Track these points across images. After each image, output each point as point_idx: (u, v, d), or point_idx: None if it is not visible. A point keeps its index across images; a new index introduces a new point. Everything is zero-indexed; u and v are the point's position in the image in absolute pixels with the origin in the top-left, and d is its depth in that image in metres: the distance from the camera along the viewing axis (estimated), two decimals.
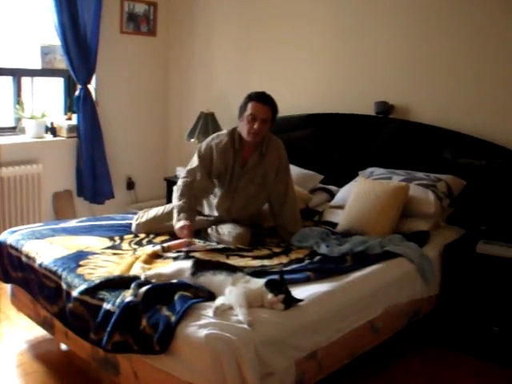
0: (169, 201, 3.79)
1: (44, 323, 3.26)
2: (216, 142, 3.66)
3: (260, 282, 2.63)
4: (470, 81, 3.95)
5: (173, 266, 2.87)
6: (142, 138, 5.90)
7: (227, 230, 3.56)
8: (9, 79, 5.09)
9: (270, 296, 2.54)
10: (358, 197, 3.80)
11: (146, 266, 2.95)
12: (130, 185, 5.89)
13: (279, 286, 2.58)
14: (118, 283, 2.72)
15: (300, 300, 2.64)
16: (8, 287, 3.57)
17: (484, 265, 3.47)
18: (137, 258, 3.05)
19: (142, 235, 3.55)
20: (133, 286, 2.63)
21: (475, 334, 3.53)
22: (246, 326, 2.36)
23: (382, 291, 3.15)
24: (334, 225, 3.86)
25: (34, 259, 3.15)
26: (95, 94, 5.31)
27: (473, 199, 3.92)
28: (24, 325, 3.67)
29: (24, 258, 3.24)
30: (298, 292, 2.72)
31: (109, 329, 2.50)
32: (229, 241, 3.49)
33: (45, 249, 3.20)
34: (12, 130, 5.17)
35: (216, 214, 3.76)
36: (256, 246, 3.49)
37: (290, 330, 2.53)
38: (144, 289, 2.58)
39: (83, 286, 2.74)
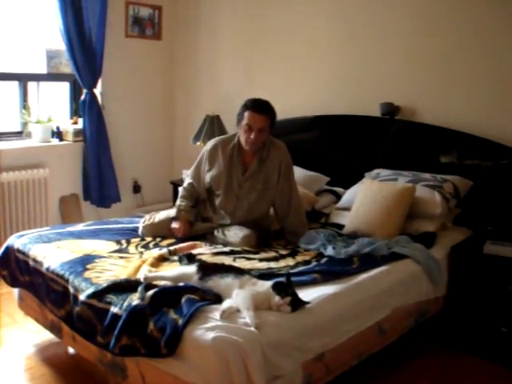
0: (175, 204, 3.79)
1: (51, 327, 3.26)
2: (213, 147, 3.74)
3: (267, 285, 2.63)
4: (477, 81, 3.94)
5: (176, 271, 2.87)
6: (148, 142, 5.91)
7: (234, 232, 3.56)
8: (15, 84, 5.10)
9: (276, 298, 2.54)
10: (364, 198, 3.79)
11: (153, 269, 2.95)
12: (137, 188, 5.89)
13: (286, 289, 2.58)
14: (125, 287, 2.72)
15: (307, 302, 2.63)
16: (15, 291, 3.57)
17: (491, 265, 3.45)
18: (144, 262, 3.05)
19: (148, 238, 3.56)
20: (140, 289, 2.63)
21: (483, 336, 3.51)
22: (253, 328, 2.35)
23: (388, 293, 3.14)
24: (341, 227, 3.86)
25: (41, 263, 3.16)
26: (101, 98, 5.32)
27: (479, 200, 3.90)
28: (31, 329, 3.67)
29: (31, 262, 3.25)
30: (305, 294, 2.71)
31: (116, 332, 2.51)
32: (235, 242, 3.49)
33: (52, 253, 3.21)
34: (18, 134, 5.18)
35: (221, 220, 3.74)
36: (262, 248, 3.49)
37: (297, 332, 2.53)
38: (151, 292, 2.58)
39: (90, 290, 2.75)
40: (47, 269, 3.09)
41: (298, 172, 3.81)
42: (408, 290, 3.29)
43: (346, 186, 4.27)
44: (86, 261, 3.07)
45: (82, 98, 5.20)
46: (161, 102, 5.97)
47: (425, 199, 3.71)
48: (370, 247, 3.38)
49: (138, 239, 3.55)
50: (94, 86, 5.19)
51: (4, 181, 4.69)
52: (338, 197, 4.28)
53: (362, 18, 4.47)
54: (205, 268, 2.81)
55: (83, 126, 5.25)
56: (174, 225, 3.64)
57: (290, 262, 3.24)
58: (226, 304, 2.49)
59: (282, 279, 2.67)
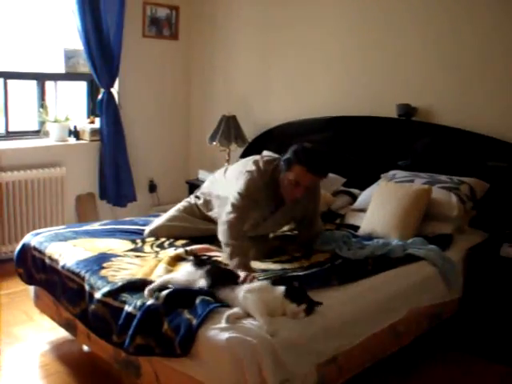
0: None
1: (66, 325, 3.27)
2: (258, 182, 3.25)
3: (279, 290, 2.59)
4: (495, 82, 3.90)
5: (183, 274, 2.78)
6: (165, 141, 5.91)
7: None
8: (33, 83, 5.13)
9: (292, 306, 2.52)
10: (380, 200, 3.78)
11: (169, 268, 2.95)
12: (152, 187, 5.90)
13: (300, 295, 2.56)
14: (139, 286, 2.72)
15: (319, 303, 2.62)
16: (31, 289, 3.59)
17: (508, 268, 3.42)
18: (159, 261, 3.05)
19: (163, 238, 3.52)
20: (148, 289, 2.65)
21: (499, 340, 3.48)
22: (268, 336, 2.34)
23: (403, 295, 3.12)
24: (356, 228, 3.84)
25: (57, 261, 3.18)
26: (118, 98, 5.34)
27: (496, 202, 3.86)
28: (47, 326, 3.68)
29: (47, 260, 3.26)
30: (319, 296, 2.70)
31: (131, 331, 2.52)
32: None
33: (68, 251, 3.22)
34: (36, 133, 5.21)
35: None
36: (277, 253, 3.41)
37: (311, 334, 2.52)
38: (165, 292, 2.58)
39: (106, 288, 2.76)
40: (63, 267, 3.10)
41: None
42: (423, 293, 3.27)
43: (362, 188, 4.25)
44: (102, 259, 3.08)
45: (100, 97, 5.22)
46: (177, 102, 5.97)
47: (441, 201, 3.69)
48: (385, 249, 3.37)
49: (153, 238, 3.52)
50: (112, 86, 5.21)
51: (21, 179, 4.72)
52: (354, 198, 4.25)
53: (378, 16, 4.45)
54: (213, 276, 2.71)
55: (100, 126, 5.28)
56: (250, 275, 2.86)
57: (305, 263, 3.21)
58: (235, 309, 2.48)
59: (295, 284, 2.64)
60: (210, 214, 3.66)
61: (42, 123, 5.20)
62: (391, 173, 4.13)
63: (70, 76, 5.32)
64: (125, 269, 2.98)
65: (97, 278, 2.86)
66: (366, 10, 4.52)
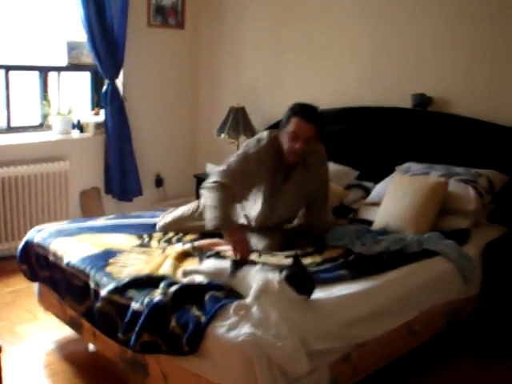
0: (198, 198, 3.64)
1: (71, 323, 3.25)
2: (262, 148, 3.31)
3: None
4: None
5: (212, 264, 2.83)
6: (171, 134, 5.87)
7: (254, 244, 3.31)
8: (35, 75, 5.07)
9: (277, 278, 2.51)
10: (394, 193, 3.70)
11: (177, 264, 2.93)
12: (159, 182, 5.86)
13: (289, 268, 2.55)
14: (146, 282, 2.70)
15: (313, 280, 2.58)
16: (35, 286, 3.56)
17: None
18: (166, 257, 3.03)
19: (171, 233, 3.50)
20: (162, 285, 2.63)
21: None
22: (253, 305, 2.37)
23: (419, 291, 3.07)
24: (370, 222, 3.77)
25: (61, 258, 3.15)
26: (123, 89, 5.29)
27: None
28: (51, 324, 3.66)
29: (51, 257, 3.24)
30: (332, 291, 2.69)
31: (137, 328, 2.49)
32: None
33: (72, 247, 3.20)
34: (39, 127, 5.16)
35: (243, 221, 3.55)
36: (289, 247, 3.37)
37: (324, 331, 2.48)
38: (173, 288, 2.56)
39: (112, 285, 2.73)
40: (67, 263, 3.08)
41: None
42: (440, 289, 3.21)
43: (376, 181, 4.17)
44: (107, 255, 3.05)
45: (104, 89, 5.17)
46: (184, 94, 5.92)
47: (458, 194, 3.61)
48: (400, 244, 3.30)
49: (161, 234, 3.50)
50: (116, 77, 5.16)
51: (24, 174, 4.68)
52: (368, 191, 4.19)
53: (391, 4, 4.38)
54: (238, 263, 2.78)
55: (105, 118, 5.23)
56: (236, 237, 3.06)
57: (317, 258, 3.16)
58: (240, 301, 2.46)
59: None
60: None
61: (45, 116, 5.15)
62: (406, 165, 4.06)
63: (73, 67, 5.26)
64: (131, 265, 2.95)
65: (102, 275, 2.84)
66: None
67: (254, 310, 2.38)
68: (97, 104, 5.46)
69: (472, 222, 3.65)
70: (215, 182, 3.19)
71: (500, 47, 3.86)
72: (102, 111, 5.29)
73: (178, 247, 3.20)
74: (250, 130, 5.01)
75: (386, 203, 3.72)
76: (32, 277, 3.46)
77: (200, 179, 5.19)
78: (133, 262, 2.98)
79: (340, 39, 4.74)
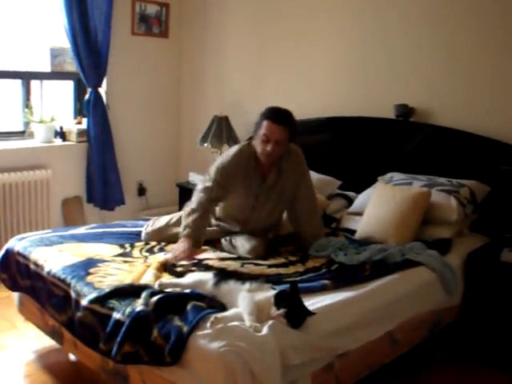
0: (181, 207, 3.66)
1: (52, 333, 3.21)
2: (233, 157, 3.46)
3: (272, 293, 2.55)
4: (494, 82, 3.85)
5: (192, 277, 2.82)
6: (154, 143, 5.85)
7: (240, 243, 3.47)
8: (18, 82, 5.04)
9: (273, 309, 2.46)
10: (377, 203, 3.72)
11: (158, 274, 2.92)
12: (142, 191, 5.83)
13: (285, 300, 2.48)
14: (128, 292, 2.68)
15: (312, 313, 2.52)
16: (15, 295, 3.52)
17: (509, 274, 3.35)
18: (148, 266, 3.01)
19: (153, 243, 3.50)
20: (144, 295, 2.60)
21: (500, 347, 3.41)
22: (251, 330, 2.31)
23: (401, 301, 3.07)
24: (352, 232, 3.79)
25: (42, 267, 3.12)
26: (106, 98, 5.27)
27: (497, 205, 3.81)
28: (32, 334, 3.63)
29: (32, 266, 3.21)
30: (314, 301, 2.68)
31: (119, 339, 2.47)
32: (243, 255, 3.40)
33: (53, 256, 3.17)
34: (21, 134, 5.12)
35: (229, 226, 3.64)
36: (271, 254, 3.41)
37: (306, 340, 2.46)
38: (155, 298, 2.54)
39: (93, 295, 2.71)
40: (48, 273, 3.05)
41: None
42: (422, 299, 3.22)
43: (359, 190, 4.19)
44: (88, 265, 3.03)
45: (87, 97, 5.14)
46: (167, 102, 5.92)
47: (440, 204, 3.63)
48: (382, 254, 3.31)
49: (143, 243, 3.50)
50: (99, 85, 5.14)
51: (5, 182, 4.62)
52: (350, 201, 4.20)
53: (375, 16, 4.40)
54: (222, 274, 2.77)
55: (87, 127, 5.20)
56: (180, 245, 3.24)
57: (300, 268, 3.18)
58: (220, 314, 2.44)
59: (287, 289, 2.57)
60: None
61: (27, 124, 5.12)
62: (388, 175, 4.08)
63: (56, 75, 5.24)
64: (112, 274, 2.93)
65: (83, 285, 2.81)
66: (364, 10, 4.47)
67: (235, 322, 2.37)
68: (79, 112, 5.43)
69: (454, 231, 3.68)
70: (195, 207, 3.37)
71: (482, 59, 3.88)
72: (85, 120, 5.26)
73: (160, 256, 3.19)
74: (233, 139, 5.00)
75: (368, 213, 3.73)
76: (12, 286, 3.42)
77: (183, 188, 5.20)
78: (114, 271, 2.96)
79: (324, 51, 4.74)
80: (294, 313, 2.46)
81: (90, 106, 5.10)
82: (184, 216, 3.37)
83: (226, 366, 2.19)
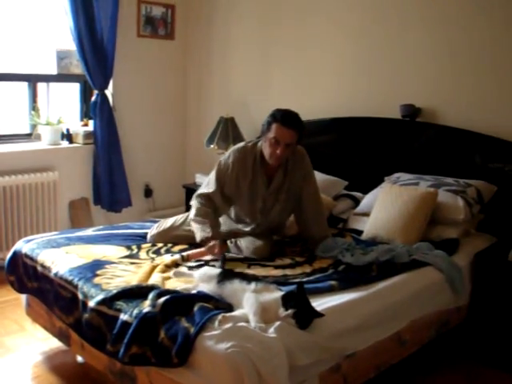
0: (188, 209, 3.66)
1: (60, 334, 3.21)
2: (236, 158, 3.45)
3: (279, 294, 2.55)
4: (500, 81, 3.83)
5: (203, 271, 2.88)
6: (161, 145, 5.85)
7: (245, 245, 3.45)
8: (24, 85, 5.05)
9: (280, 310, 2.45)
10: (383, 203, 3.70)
11: (165, 275, 2.92)
12: (148, 192, 5.82)
13: (293, 300, 2.48)
14: (135, 293, 2.68)
15: (320, 315, 2.51)
16: (23, 297, 3.53)
17: None
18: (155, 267, 3.01)
19: (159, 244, 3.50)
20: (151, 296, 2.60)
21: (507, 348, 3.39)
22: (257, 330, 2.31)
23: (409, 301, 3.06)
24: (359, 232, 3.78)
25: (49, 269, 3.12)
26: (112, 100, 5.27)
27: (504, 205, 3.79)
28: (39, 336, 3.63)
29: (39, 268, 3.21)
30: (321, 302, 2.67)
31: (126, 340, 2.47)
32: (248, 256, 3.39)
33: (61, 258, 3.17)
34: (27, 136, 5.14)
35: (236, 228, 3.64)
36: (277, 255, 3.41)
37: (313, 341, 2.45)
38: (162, 299, 2.53)
39: (100, 296, 2.70)
40: (55, 274, 3.05)
41: (315, 176, 3.69)
42: (429, 299, 3.21)
43: (365, 191, 4.18)
44: (95, 266, 3.03)
45: (93, 99, 5.15)
46: (173, 104, 5.91)
47: (447, 204, 3.62)
48: (389, 254, 3.29)
49: (149, 245, 3.50)
50: (105, 87, 5.14)
51: (12, 184, 4.63)
52: (357, 202, 4.19)
53: (381, 17, 4.39)
54: (227, 273, 2.79)
55: (94, 129, 5.20)
56: (211, 243, 3.27)
57: (307, 269, 3.17)
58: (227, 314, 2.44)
59: (294, 290, 2.56)
60: None
61: (34, 126, 5.13)
62: (395, 175, 4.07)
63: (62, 77, 5.25)
64: (119, 276, 2.93)
65: (90, 286, 2.81)
66: (370, 10, 4.46)
67: (243, 323, 2.36)
68: (86, 115, 5.43)
69: (461, 231, 3.66)
70: (199, 203, 3.46)
71: (488, 57, 3.87)
72: (91, 122, 5.26)
73: (167, 258, 3.19)
74: (239, 140, 4.93)
75: (375, 213, 3.72)
76: (20, 288, 3.43)
77: (189, 189, 5.19)
78: (121, 273, 2.96)
79: (329, 51, 4.74)
80: (302, 313, 2.45)
81: (96, 108, 5.11)
82: (195, 220, 3.41)
83: (233, 367, 2.18)
